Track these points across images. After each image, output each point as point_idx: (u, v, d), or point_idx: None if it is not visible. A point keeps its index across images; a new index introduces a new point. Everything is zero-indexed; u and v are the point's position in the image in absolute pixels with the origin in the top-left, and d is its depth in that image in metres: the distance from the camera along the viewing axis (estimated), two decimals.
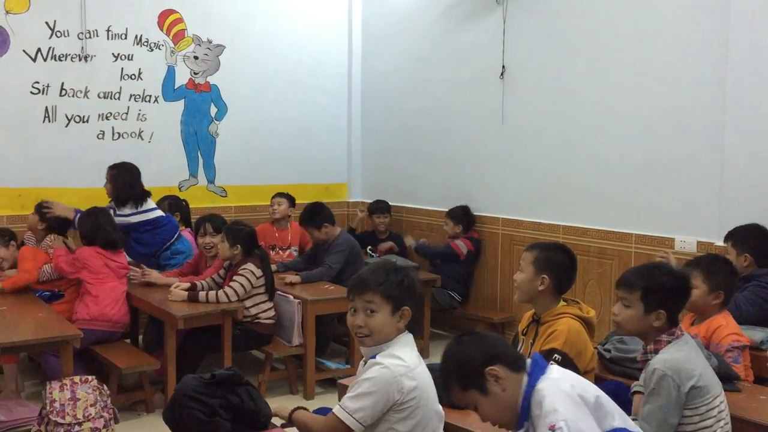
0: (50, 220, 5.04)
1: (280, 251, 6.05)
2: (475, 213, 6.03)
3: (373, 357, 2.39)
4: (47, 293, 4.80)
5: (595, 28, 5.10)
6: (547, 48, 5.44)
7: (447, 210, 6.05)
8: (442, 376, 2.19)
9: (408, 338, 2.46)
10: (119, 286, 4.73)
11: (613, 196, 5.03)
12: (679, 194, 4.64)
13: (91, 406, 3.79)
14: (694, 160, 4.54)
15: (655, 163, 4.76)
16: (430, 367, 2.77)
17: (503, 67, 5.75)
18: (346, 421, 2.32)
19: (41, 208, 5.06)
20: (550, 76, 5.43)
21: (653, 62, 4.73)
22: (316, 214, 5.49)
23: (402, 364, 2.34)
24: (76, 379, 3.84)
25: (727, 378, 2.82)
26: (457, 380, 2.14)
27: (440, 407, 2.49)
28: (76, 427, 3.71)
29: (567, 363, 2.76)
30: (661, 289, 2.52)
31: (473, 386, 2.11)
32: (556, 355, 2.77)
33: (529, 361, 2.15)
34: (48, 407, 3.71)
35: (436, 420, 2.46)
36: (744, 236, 3.92)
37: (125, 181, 5.22)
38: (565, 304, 2.97)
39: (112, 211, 5.09)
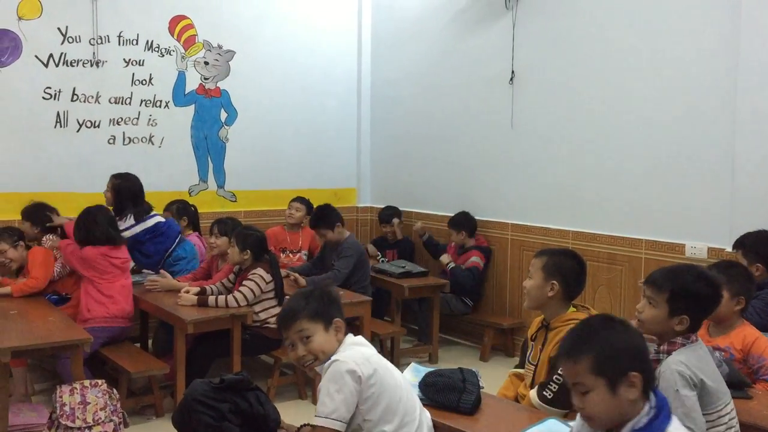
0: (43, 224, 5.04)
1: (290, 254, 6.07)
2: (484, 218, 6.03)
3: (329, 361, 2.45)
4: (55, 297, 4.83)
5: (604, 33, 5.09)
6: (557, 53, 5.43)
7: (449, 219, 6.05)
8: (582, 342, 1.89)
9: (354, 340, 2.51)
10: (127, 282, 4.76)
11: (624, 202, 5.01)
12: (689, 200, 4.61)
13: (101, 410, 3.80)
14: (705, 165, 4.52)
15: (665, 169, 4.74)
16: (439, 372, 2.78)
17: (512, 72, 5.74)
18: (329, 426, 2.35)
19: (31, 215, 5.06)
20: (559, 81, 5.42)
21: (663, 67, 4.72)
22: (328, 215, 5.55)
23: (356, 354, 2.42)
24: (86, 383, 3.85)
25: (739, 385, 2.80)
26: (597, 362, 1.85)
27: (415, 408, 2.50)
28: (86, 431, 3.73)
29: None
30: (690, 294, 2.45)
31: (607, 377, 1.84)
32: None
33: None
34: (58, 411, 3.73)
35: (411, 415, 2.46)
36: (754, 244, 3.86)
37: (130, 193, 5.24)
38: (575, 310, 2.95)
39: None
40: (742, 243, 3.95)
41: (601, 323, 1.93)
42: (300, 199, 6.22)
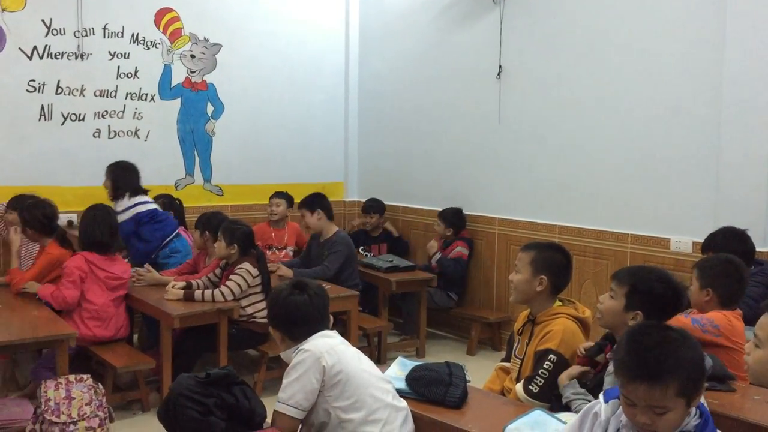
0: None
1: (276, 251, 6.05)
2: (471, 213, 6.04)
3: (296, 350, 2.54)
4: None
5: (592, 29, 5.10)
6: (544, 48, 5.44)
7: (439, 211, 6.06)
8: (667, 366, 1.76)
9: (322, 333, 2.59)
10: (112, 300, 4.54)
11: (610, 196, 5.03)
12: (675, 195, 4.65)
13: (86, 405, 3.77)
14: (691, 160, 4.55)
15: (651, 164, 4.77)
16: (425, 366, 2.78)
17: (500, 67, 5.75)
18: (285, 411, 2.44)
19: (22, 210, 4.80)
20: (547, 76, 5.43)
21: (649, 62, 4.74)
22: (313, 199, 5.57)
23: (321, 343, 2.50)
24: (71, 377, 3.82)
25: (722, 378, 2.82)
26: (683, 385, 1.76)
27: (386, 392, 2.55)
28: (71, 426, 3.70)
29: (562, 363, 2.77)
30: (647, 291, 2.52)
31: (687, 397, 1.78)
32: (551, 355, 2.78)
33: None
34: (43, 406, 3.70)
35: (380, 403, 2.50)
36: (724, 243, 3.75)
37: (127, 177, 5.23)
38: (561, 304, 2.97)
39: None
40: (711, 244, 3.90)
41: (677, 342, 1.81)
42: (280, 194, 6.16)
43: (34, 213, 4.71)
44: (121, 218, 5.02)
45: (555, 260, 2.96)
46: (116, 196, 5.21)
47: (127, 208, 5.17)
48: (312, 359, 2.44)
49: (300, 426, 2.52)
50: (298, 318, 2.56)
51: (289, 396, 2.44)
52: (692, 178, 4.54)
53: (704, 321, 3.05)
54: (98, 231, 4.54)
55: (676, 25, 4.59)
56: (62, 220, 5.18)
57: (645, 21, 4.75)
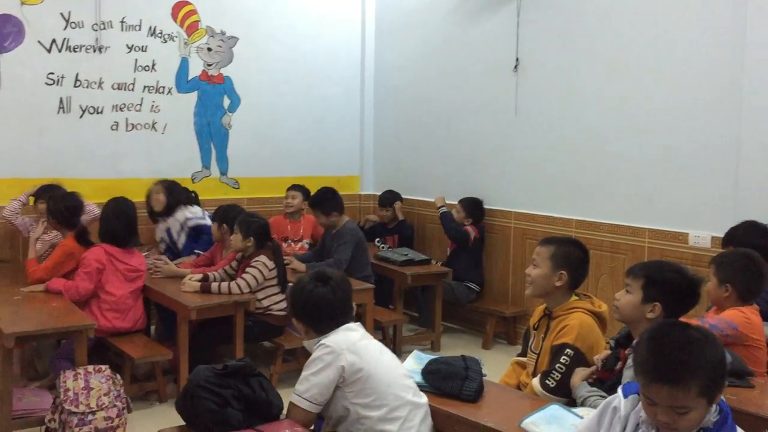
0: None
1: (292, 243, 6.07)
2: (487, 207, 6.02)
3: (318, 342, 2.54)
4: None
5: (610, 20, 5.06)
6: (562, 41, 5.41)
7: (461, 198, 6.04)
8: (689, 366, 1.74)
9: (346, 326, 2.58)
10: (130, 291, 4.59)
11: (627, 191, 5.00)
12: (693, 189, 4.60)
13: (105, 395, 3.81)
14: (710, 154, 4.50)
15: (669, 158, 4.72)
16: (442, 360, 2.78)
17: (517, 59, 5.72)
18: (299, 404, 2.46)
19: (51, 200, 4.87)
20: (564, 68, 5.39)
21: (668, 56, 4.69)
22: (326, 200, 5.56)
23: (342, 339, 2.50)
24: (90, 368, 3.86)
25: (741, 374, 2.80)
26: (705, 385, 1.74)
27: (407, 389, 2.54)
28: (90, 416, 3.74)
29: (579, 358, 2.76)
30: (663, 282, 2.53)
31: (709, 397, 1.77)
32: (568, 349, 2.77)
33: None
34: (62, 396, 3.74)
35: (400, 401, 2.49)
36: (745, 237, 3.70)
37: (179, 195, 5.56)
38: (577, 298, 2.96)
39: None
40: (731, 238, 3.86)
41: (699, 342, 1.78)
42: (296, 187, 6.18)
43: (57, 204, 4.78)
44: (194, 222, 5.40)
45: (574, 256, 2.96)
46: (170, 210, 5.49)
47: (200, 217, 5.52)
48: (331, 357, 2.44)
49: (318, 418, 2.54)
50: (322, 311, 2.57)
51: (305, 389, 2.45)
52: (711, 171, 4.50)
53: (722, 325, 3.00)
54: (116, 224, 4.59)
55: (695, 16, 4.53)
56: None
57: (663, 12, 4.70)
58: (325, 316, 2.56)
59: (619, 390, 1.99)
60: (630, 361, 2.36)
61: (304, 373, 2.50)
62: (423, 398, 2.58)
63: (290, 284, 4.87)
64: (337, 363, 2.43)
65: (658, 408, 1.78)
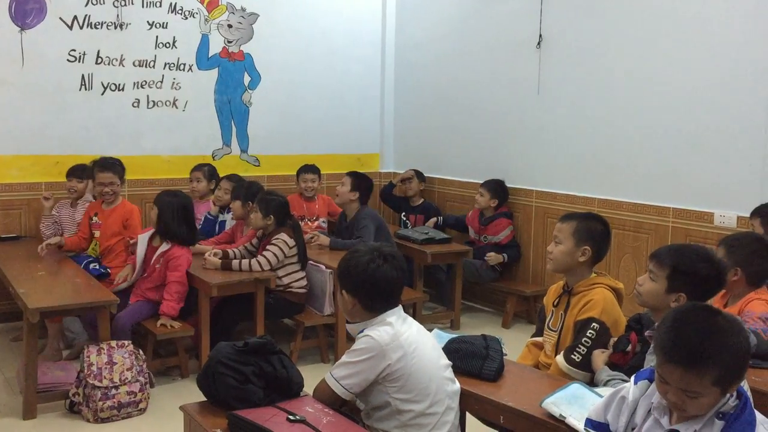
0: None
1: (309, 222, 6.07)
2: (508, 185, 5.97)
3: (362, 331, 2.46)
4: (98, 270, 4.79)
5: None
6: (586, 17, 5.31)
7: (482, 182, 5.98)
8: (708, 352, 1.70)
9: (391, 311, 2.49)
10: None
11: (651, 169, 4.92)
12: (720, 168, 4.52)
13: (128, 370, 3.87)
14: (737, 133, 4.41)
15: (696, 136, 4.64)
16: (462, 339, 2.77)
17: (540, 36, 5.63)
18: (334, 387, 2.42)
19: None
20: (588, 45, 5.31)
21: (695, 33, 4.59)
22: (361, 179, 5.54)
23: (386, 333, 2.41)
24: (113, 343, 3.91)
25: (765, 356, 2.76)
26: (721, 375, 1.70)
27: (447, 381, 2.50)
28: (113, 390, 3.80)
29: (604, 332, 2.74)
30: (690, 273, 2.45)
31: (724, 387, 1.73)
32: (594, 324, 2.75)
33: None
34: (86, 370, 3.80)
35: (441, 395, 2.46)
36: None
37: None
38: (596, 274, 2.94)
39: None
40: (760, 212, 3.86)
41: (724, 331, 1.73)
42: (309, 169, 6.13)
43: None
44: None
45: (597, 230, 2.93)
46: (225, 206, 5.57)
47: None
48: (375, 351, 2.38)
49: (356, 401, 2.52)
50: (380, 289, 2.46)
51: (344, 376, 2.41)
52: (738, 149, 4.41)
53: (759, 324, 2.94)
54: (177, 226, 4.53)
55: None
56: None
57: None
58: (381, 294, 2.47)
59: (633, 377, 1.98)
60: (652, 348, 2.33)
61: (345, 359, 2.44)
62: (456, 385, 2.55)
63: (311, 263, 4.93)
64: (380, 360, 2.38)
65: (670, 388, 1.77)
